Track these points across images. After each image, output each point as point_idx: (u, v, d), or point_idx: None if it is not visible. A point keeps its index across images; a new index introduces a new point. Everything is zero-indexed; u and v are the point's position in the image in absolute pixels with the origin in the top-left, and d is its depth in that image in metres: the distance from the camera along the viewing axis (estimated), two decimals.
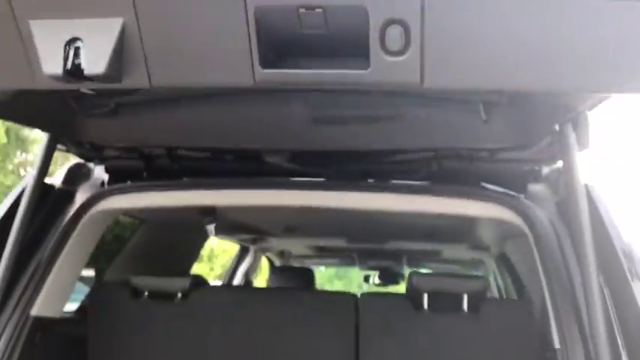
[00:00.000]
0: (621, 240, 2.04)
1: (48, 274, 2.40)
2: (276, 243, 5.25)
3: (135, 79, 1.26)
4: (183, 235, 3.66)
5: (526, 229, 2.27)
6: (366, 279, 7.33)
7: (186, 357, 2.66)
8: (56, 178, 2.62)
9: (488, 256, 4.89)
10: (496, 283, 5.10)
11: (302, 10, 1.12)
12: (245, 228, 4.14)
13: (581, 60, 1.15)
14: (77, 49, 1.19)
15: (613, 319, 1.89)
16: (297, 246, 5.57)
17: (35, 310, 2.37)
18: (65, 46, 1.20)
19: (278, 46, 1.17)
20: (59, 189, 2.55)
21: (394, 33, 1.09)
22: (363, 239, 4.66)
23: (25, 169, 18.15)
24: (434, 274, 4.77)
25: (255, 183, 2.46)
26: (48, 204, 2.47)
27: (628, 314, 1.86)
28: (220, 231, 3.19)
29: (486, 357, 2.46)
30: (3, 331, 2.25)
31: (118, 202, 2.55)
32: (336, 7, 1.09)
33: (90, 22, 1.17)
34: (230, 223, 3.51)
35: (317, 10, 1.11)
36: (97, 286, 3.20)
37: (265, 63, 1.19)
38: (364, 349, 2.54)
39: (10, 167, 17.88)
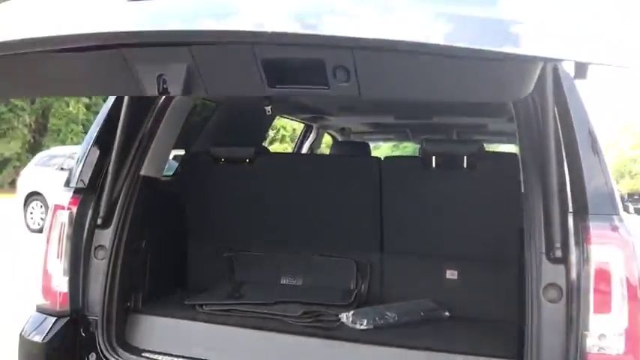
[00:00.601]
0: (585, 117, 2.35)
1: (150, 143, 2.99)
2: (334, 121, 5.70)
3: (198, 92, 1.97)
4: (251, 114, 4.18)
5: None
6: None
7: (252, 206, 3.35)
8: None
9: None
10: None
11: (288, 58, 1.87)
12: (297, 107, 4.64)
13: (457, 79, 1.78)
14: (164, 80, 1.88)
15: (566, 172, 2.30)
16: (354, 123, 5.96)
17: (143, 171, 2.93)
18: (157, 78, 1.89)
19: (276, 76, 1.88)
20: None
21: (340, 72, 1.77)
22: (409, 115, 5.01)
23: None
24: (441, 140, 5.07)
25: None
26: None
27: (575, 174, 2.28)
28: (276, 111, 3.74)
29: (481, 203, 2.97)
30: (123, 184, 2.89)
31: None
32: (308, 59, 1.80)
33: (170, 65, 1.87)
34: (283, 104, 4.05)
35: (297, 60, 1.84)
36: (187, 155, 3.74)
37: (270, 85, 1.89)
38: (386, 198, 3.13)
39: None
